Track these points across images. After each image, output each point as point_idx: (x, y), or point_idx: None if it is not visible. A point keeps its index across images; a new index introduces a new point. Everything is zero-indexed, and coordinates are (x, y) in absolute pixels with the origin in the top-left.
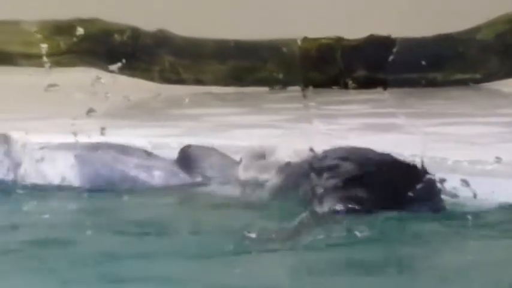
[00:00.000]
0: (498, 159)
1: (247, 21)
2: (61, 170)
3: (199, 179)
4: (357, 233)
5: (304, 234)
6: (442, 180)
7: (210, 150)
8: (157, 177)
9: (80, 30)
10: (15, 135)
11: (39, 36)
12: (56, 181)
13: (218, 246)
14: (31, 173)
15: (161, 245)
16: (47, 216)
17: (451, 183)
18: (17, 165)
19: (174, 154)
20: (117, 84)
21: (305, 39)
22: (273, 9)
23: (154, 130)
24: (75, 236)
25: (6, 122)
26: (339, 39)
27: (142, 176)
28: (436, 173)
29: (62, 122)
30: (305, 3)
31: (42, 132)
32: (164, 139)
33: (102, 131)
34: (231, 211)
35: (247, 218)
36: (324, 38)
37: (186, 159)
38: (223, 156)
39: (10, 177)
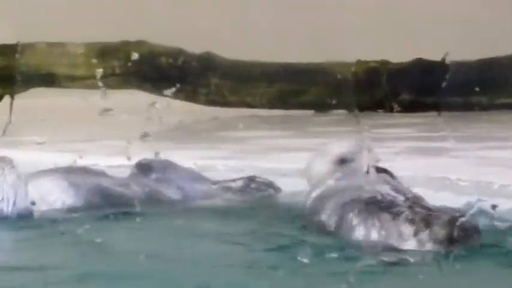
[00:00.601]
0: None
1: (291, 44)
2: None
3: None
4: None
5: None
6: (494, 206)
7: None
8: None
9: (135, 55)
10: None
11: (85, 58)
12: None
13: None
14: None
15: None
16: None
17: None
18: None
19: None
20: (168, 107)
21: (358, 62)
22: (319, 32)
23: (201, 152)
24: None
25: (58, 145)
26: (385, 63)
27: None
28: (484, 198)
29: (116, 145)
30: (354, 27)
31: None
32: (211, 161)
33: (156, 155)
34: None
35: None
36: (372, 61)
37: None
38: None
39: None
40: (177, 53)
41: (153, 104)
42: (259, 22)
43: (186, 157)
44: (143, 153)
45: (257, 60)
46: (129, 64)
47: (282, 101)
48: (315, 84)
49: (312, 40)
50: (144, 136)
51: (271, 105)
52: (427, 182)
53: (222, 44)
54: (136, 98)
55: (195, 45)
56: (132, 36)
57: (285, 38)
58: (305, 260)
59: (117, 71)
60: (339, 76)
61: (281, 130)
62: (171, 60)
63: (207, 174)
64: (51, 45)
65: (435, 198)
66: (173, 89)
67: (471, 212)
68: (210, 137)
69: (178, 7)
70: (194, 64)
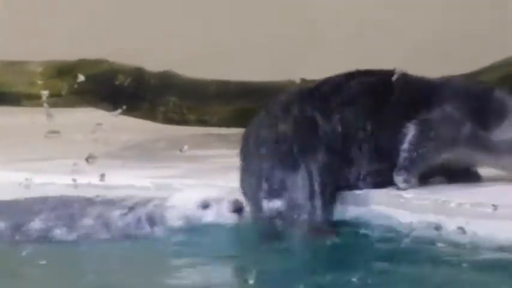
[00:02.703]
0: None
1: (248, 63)
2: None
3: None
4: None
5: None
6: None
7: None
8: None
9: (81, 77)
10: None
11: (42, 77)
12: None
13: None
14: None
15: None
16: None
17: None
18: None
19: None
20: (120, 125)
21: (303, 80)
22: (277, 51)
23: (156, 171)
24: None
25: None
26: None
27: None
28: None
29: (64, 163)
30: (304, 45)
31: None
32: (168, 180)
33: (102, 177)
34: None
35: None
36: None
37: None
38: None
39: None
40: (136, 71)
41: (99, 124)
42: (218, 41)
43: (141, 176)
44: (94, 172)
45: (215, 78)
46: (82, 82)
47: (239, 120)
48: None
49: (269, 59)
50: (90, 157)
51: (229, 123)
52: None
53: (182, 63)
54: (91, 116)
55: (154, 64)
56: (91, 55)
57: (242, 56)
58: None
59: (75, 89)
60: None
61: (238, 149)
62: (129, 79)
63: (163, 193)
64: (9, 64)
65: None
66: (119, 111)
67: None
68: (167, 155)
69: (138, 26)
70: (153, 82)
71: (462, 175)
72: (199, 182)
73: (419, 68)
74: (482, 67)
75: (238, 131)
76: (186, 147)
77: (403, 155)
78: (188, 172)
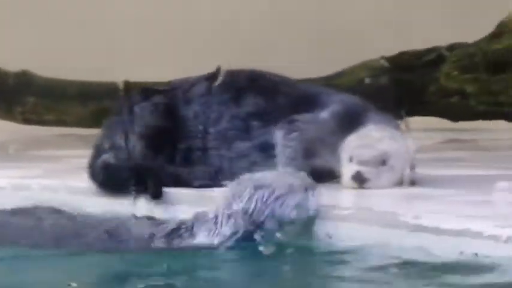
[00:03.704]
0: None
1: (111, 63)
2: None
3: None
4: None
5: None
6: None
7: None
8: None
9: None
10: None
11: None
12: None
13: None
14: None
15: None
16: None
17: None
18: None
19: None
20: None
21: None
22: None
23: (14, 171)
24: None
25: None
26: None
27: None
28: None
29: None
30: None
31: None
32: (25, 180)
33: None
34: None
35: None
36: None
37: None
38: None
39: None
40: None
41: None
42: (76, 41)
43: None
44: None
45: (73, 79)
46: None
47: (98, 120)
48: None
49: (128, 59)
50: None
51: (87, 124)
52: None
53: (39, 63)
54: None
55: (11, 63)
56: None
57: (101, 57)
58: None
59: None
60: None
61: None
62: None
63: (21, 194)
64: None
65: None
66: None
67: None
68: (25, 155)
69: None
70: (10, 82)
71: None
72: (57, 182)
73: (275, 69)
74: (336, 71)
75: (96, 132)
76: (12, 147)
77: (277, 154)
78: (46, 172)
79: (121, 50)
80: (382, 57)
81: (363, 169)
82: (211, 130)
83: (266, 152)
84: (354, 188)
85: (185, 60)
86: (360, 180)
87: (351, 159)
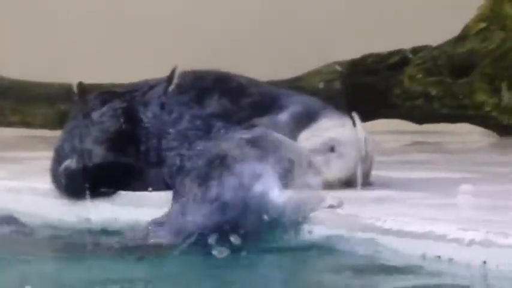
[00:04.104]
0: None
1: (74, 64)
2: None
3: None
4: None
5: None
6: None
7: None
8: None
9: None
10: None
11: None
12: None
13: None
14: None
15: None
16: None
17: None
18: None
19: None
20: None
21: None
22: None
23: None
24: None
25: None
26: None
27: None
28: None
29: None
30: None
31: None
32: None
33: None
34: None
35: None
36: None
37: None
38: None
39: None
40: None
41: None
42: (42, 42)
43: None
44: None
45: (38, 80)
46: None
47: (62, 122)
48: None
49: (93, 61)
50: None
51: (52, 125)
52: None
53: (4, 64)
54: None
55: None
56: None
57: (69, 58)
58: None
59: None
60: None
61: None
62: None
63: None
64: None
65: None
66: None
67: None
68: None
69: None
70: None
71: None
72: (21, 184)
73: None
74: (305, 72)
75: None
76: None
77: None
78: (12, 174)
79: (81, 50)
80: (336, 62)
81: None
82: (171, 130)
83: None
84: None
85: (146, 62)
86: None
87: None
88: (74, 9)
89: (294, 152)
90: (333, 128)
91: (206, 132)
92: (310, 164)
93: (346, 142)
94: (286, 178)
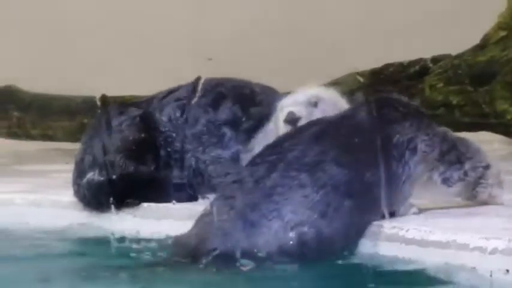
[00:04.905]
0: None
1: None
2: None
3: None
4: None
5: None
6: None
7: None
8: None
9: None
10: None
11: None
12: None
13: None
14: None
15: None
16: None
17: None
18: None
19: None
20: None
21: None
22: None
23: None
24: None
25: None
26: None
27: None
28: None
29: None
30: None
31: None
32: (8, 195)
33: None
34: None
35: None
36: None
37: None
38: None
39: None
40: None
41: None
42: (60, 56)
43: None
44: None
45: (58, 94)
46: None
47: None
48: None
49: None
50: None
51: (73, 138)
52: None
53: (25, 78)
54: None
55: None
56: None
57: (90, 71)
58: None
59: None
60: None
61: None
62: None
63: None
64: None
65: None
66: None
67: None
68: (11, 170)
69: None
70: None
71: None
72: (42, 197)
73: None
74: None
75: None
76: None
77: None
78: (33, 187)
79: (103, 64)
80: (357, 73)
81: (295, 109)
82: (188, 132)
83: (237, 162)
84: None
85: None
86: (292, 119)
87: (282, 109)
88: (95, 23)
89: None
90: (316, 88)
91: (218, 139)
92: None
93: (329, 101)
94: None
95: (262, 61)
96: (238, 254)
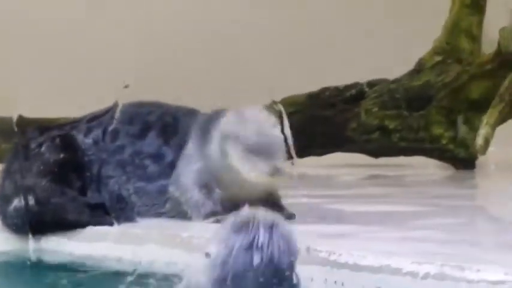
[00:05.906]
0: None
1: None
2: None
3: None
4: None
5: None
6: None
7: None
8: None
9: None
10: None
11: None
12: None
13: None
14: None
15: None
16: None
17: None
18: None
19: None
20: None
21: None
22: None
23: None
24: None
25: None
26: None
27: None
28: None
29: None
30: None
31: None
32: None
33: None
34: None
35: None
36: None
37: None
38: None
39: None
40: None
41: None
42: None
43: None
44: None
45: None
46: None
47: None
48: None
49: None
50: None
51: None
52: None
53: None
54: None
55: None
56: None
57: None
58: None
59: None
60: None
61: None
62: None
63: None
64: None
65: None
66: None
67: None
68: None
69: None
70: None
71: None
72: None
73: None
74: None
75: None
76: None
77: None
78: None
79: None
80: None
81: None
82: (112, 159)
83: (163, 196)
84: None
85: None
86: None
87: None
88: (15, 44)
89: None
90: None
91: (142, 172)
92: None
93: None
94: None
95: (187, 82)
96: None
